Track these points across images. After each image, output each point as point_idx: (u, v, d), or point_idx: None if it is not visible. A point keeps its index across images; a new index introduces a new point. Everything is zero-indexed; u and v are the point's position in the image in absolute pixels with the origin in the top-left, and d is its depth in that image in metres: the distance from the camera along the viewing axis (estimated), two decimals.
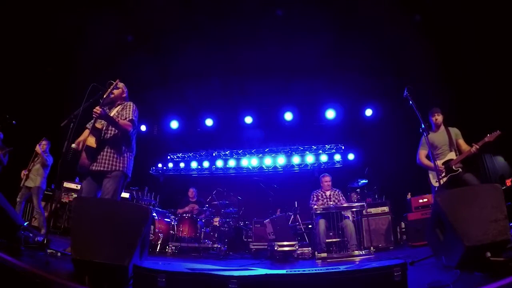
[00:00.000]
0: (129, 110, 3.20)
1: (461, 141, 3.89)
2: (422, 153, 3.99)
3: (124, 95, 3.39)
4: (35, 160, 5.47)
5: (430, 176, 3.90)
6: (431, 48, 5.75)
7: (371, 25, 5.68)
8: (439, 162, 3.81)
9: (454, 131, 3.96)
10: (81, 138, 3.14)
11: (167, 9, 5.55)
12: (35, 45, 5.83)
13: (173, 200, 7.51)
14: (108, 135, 3.10)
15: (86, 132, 3.17)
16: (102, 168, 2.98)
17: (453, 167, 3.73)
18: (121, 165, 3.06)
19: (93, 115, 2.90)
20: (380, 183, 6.67)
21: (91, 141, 2.96)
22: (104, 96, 3.04)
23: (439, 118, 4.00)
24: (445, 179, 3.73)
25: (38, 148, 5.44)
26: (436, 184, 3.71)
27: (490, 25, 5.17)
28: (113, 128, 3.10)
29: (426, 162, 3.93)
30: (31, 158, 5.50)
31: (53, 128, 4.31)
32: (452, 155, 3.83)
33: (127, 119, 3.13)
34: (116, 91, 3.24)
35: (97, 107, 2.90)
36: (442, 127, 4.01)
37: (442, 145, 3.90)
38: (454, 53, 5.83)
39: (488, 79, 5.72)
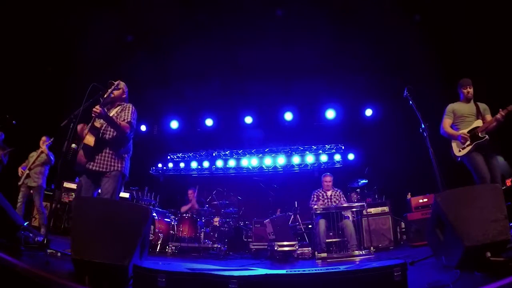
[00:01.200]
0: (128, 112, 3.19)
1: (489, 116, 3.74)
2: (447, 121, 3.86)
3: (124, 95, 3.38)
4: (36, 159, 5.30)
5: (454, 145, 3.78)
6: (431, 47, 5.75)
7: (371, 25, 5.69)
8: (465, 131, 3.70)
9: (483, 106, 3.83)
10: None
11: (167, 9, 5.55)
12: (35, 45, 5.83)
13: (173, 200, 7.51)
14: (107, 135, 3.10)
15: None
16: (100, 169, 2.99)
17: (479, 134, 3.59)
18: (119, 165, 3.07)
19: (93, 114, 2.89)
20: (380, 183, 6.66)
21: (89, 140, 2.95)
22: (105, 96, 3.03)
23: (471, 90, 3.85)
24: (469, 147, 3.60)
25: (44, 148, 5.30)
26: (460, 154, 3.64)
27: (491, 24, 5.17)
28: (112, 129, 3.11)
29: (450, 131, 3.81)
30: (33, 157, 5.35)
31: (53, 128, 4.31)
32: (479, 123, 3.69)
33: (125, 121, 3.13)
34: (116, 92, 3.23)
35: (97, 106, 2.89)
36: (471, 101, 3.87)
37: (469, 115, 3.78)
38: (454, 52, 5.82)
39: (488, 78, 5.71)
